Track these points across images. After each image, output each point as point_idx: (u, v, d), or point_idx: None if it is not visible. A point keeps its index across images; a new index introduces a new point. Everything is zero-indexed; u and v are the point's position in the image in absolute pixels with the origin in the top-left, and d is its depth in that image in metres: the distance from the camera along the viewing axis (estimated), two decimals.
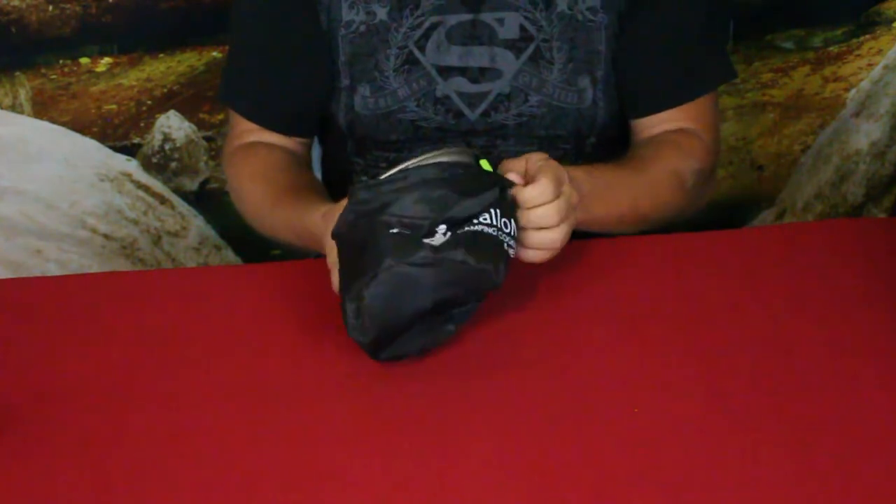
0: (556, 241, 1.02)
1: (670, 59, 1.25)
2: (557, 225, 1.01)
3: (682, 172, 1.21)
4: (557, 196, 1.01)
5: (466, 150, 0.99)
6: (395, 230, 0.93)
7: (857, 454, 0.88)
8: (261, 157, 1.28)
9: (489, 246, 0.95)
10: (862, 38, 1.86)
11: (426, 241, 0.93)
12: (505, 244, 0.97)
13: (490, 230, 0.95)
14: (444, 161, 0.96)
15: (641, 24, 1.23)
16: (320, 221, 1.08)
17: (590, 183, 1.11)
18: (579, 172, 1.10)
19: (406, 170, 0.96)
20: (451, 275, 0.94)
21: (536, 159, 1.03)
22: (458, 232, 0.94)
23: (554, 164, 1.03)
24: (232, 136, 1.32)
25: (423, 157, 0.97)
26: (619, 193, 1.15)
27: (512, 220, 0.97)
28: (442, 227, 0.94)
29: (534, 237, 1.01)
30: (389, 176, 0.96)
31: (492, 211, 0.95)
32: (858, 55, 1.87)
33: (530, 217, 1.00)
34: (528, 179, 1.02)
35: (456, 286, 0.96)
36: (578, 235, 1.09)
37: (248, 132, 1.30)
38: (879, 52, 1.87)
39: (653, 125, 1.26)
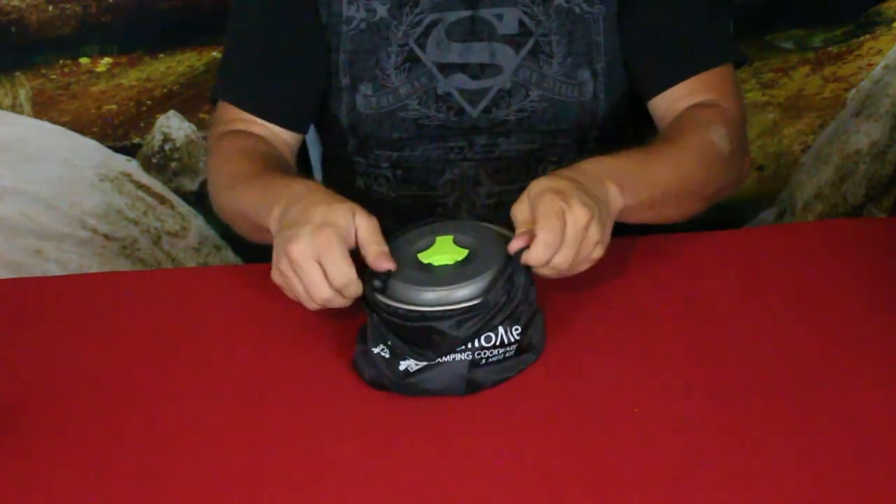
0: (575, 260, 0.98)
1: (678, 34, 1.23)
2: (572, 262, 0.97)
3: (712, 139, 1.16)
4: (561, 240, 0.96)
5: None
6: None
7: (857, 454, 0.88)
8: (252, 140, 1.25)
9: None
10: (862, 38, 1.87)
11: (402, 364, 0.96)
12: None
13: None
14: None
15: (645, 6, 1.23)
16: (292, 185, 1.06)
17: (622, 167, 1.06)
18: (610, 160, 1.06)
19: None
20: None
21: (534, 198, 0.98)
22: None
23: (547, 200, 0.96)
24: (219, 122, 1.28)
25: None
26: (656, 171, 1.10)
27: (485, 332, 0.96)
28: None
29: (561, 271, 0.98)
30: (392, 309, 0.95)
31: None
32: (858, 55, 1.88)
33: (545, 272, 0.98)
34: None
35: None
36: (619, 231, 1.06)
37: (238, 121, 1.27)
38: (879, 52, 1.87)
39: (671, 101, 1.23)
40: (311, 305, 0.98)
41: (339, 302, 0.98)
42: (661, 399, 0.95)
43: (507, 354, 0.97)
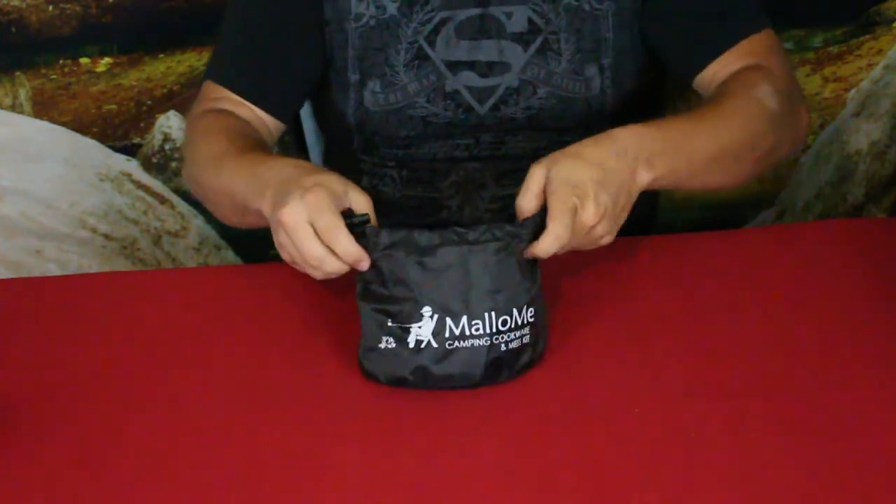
0: (575, 246, 0.99)
1: (711, 10, 1.23)
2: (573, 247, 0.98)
3: (759, 97, 1.14)
4: (568, 233, 0.96)
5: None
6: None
7: (856, 454, 0.88)
8: (236, 121, 1.22)
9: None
10: (862, 38, 1.86)
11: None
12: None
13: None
14: None
15: None
16: (280, 167, 1.03)
17: (657, 139, 1.04)
18: (645, 129, 1.04)
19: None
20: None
21: (553, 182, 0.97)
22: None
23: (563, 195, 0.96)
24: (203, 100, 1.26)
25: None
26: (695, 139, 1.08)
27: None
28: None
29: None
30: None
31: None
32: (858, 55, 1.87)
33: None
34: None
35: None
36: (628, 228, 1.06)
37: (223, 100, 1.25)
38: (879, 52, 1.87)
39: (714, 72, 1.22)
40: (314, 273, 0.97)
41: (333, 264, 0.95)
42: (661, 399, 0.95)
43: (524, 339, 0.97)
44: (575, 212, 0.96)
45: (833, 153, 1.96)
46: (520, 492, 0.86)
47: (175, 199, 1.90)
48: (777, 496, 0.85)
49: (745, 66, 1.20)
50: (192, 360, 1.04)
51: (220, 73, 1.27)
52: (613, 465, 0.88)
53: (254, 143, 1.17)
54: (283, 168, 1.03)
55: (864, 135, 1.93)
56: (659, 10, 1.23)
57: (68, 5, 1.71)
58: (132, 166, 1.85)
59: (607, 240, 1.00)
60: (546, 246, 0.96)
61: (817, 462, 0.87)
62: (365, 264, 0.95)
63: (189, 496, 0.88)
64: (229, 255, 1.95)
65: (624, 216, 1.01)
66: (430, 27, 1.23)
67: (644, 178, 1.02)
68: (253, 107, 1.24)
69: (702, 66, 1.22)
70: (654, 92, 1.32)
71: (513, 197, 1.08)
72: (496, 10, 1.22)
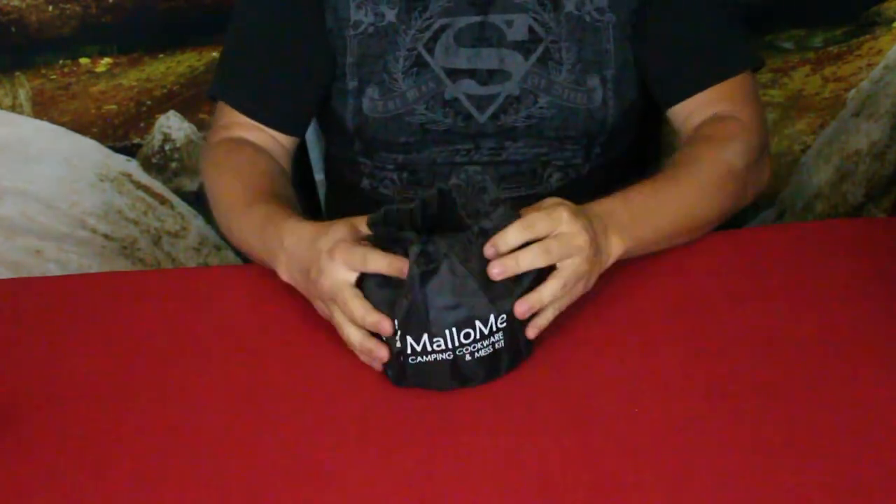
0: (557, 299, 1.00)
1: (698, 44, 1.24)
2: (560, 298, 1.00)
3: (728, 159, 1.16)
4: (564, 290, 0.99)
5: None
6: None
7: (857, 453, 0.88)
8: (246, 155, 1.24)
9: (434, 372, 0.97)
10: (862, 38, 1.86)
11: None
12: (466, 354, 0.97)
13: (433, 357, 0.96)
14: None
15: (662, 15, 1.22)
16: (284, 234, 1.06)
17: (627, 212, 1.07)
18: (616, 203, 1.07)
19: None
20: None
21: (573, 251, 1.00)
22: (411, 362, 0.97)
23: (576, 264, 0.99)
24: (218, 126, 1.28)
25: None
26: (664, 210, 1.11)
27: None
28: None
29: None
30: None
31: (447, 332, 0.95)
32: (858, 55, 1.88)
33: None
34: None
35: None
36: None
37: (235, 125, 1.27)
38: (879, 52, 1.87)
39: (691, 109, 1.23)
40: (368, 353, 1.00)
41: (367, 342, 0.99)
42: (660, 399, 0.95)
43: (496, 346, 0.96)
44: (583, 283, 1.01)
45: (833, 153, 1.96)
46: (519, 491, 0.86)
47: (175, 199, 1.90)
48: (777, 495, 0.85)
49: (719, 114, 1.22)
50: (191, 361, 1.04)
51: (230, 94, 1.28)
52: (612, 464, 0.88)
53: (265, 185, 1.18)
54: (290, 235, 1.06)
55: (864, 135, 1.94)
56: (649, 34, 1.23)
57: (68, 5, 1.71)
58: (132, 166, 1.85)
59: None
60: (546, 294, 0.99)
61: (817, 461, 0.87)
62: (386, 326, 0.96)
63: (189, 496, 0.88)
64: (229, 256, 1.96)
65: (593, 282, 1.04)
66: (428, 34, 1.22)
67: (616, 247, 1.06)
68: (264, 127, 1.26)
69: (680, 98, 1.24)
70: (655, 104, 1.32)
71: (514, 199, 1.08)
72: (496, 18, 1.22)
